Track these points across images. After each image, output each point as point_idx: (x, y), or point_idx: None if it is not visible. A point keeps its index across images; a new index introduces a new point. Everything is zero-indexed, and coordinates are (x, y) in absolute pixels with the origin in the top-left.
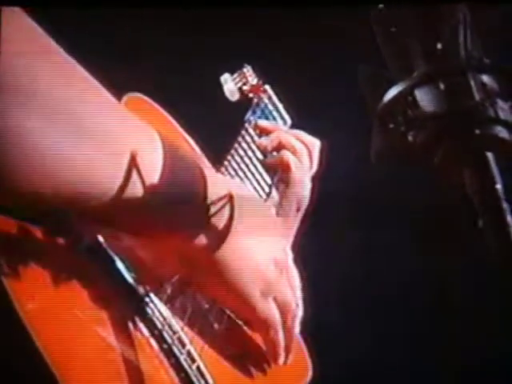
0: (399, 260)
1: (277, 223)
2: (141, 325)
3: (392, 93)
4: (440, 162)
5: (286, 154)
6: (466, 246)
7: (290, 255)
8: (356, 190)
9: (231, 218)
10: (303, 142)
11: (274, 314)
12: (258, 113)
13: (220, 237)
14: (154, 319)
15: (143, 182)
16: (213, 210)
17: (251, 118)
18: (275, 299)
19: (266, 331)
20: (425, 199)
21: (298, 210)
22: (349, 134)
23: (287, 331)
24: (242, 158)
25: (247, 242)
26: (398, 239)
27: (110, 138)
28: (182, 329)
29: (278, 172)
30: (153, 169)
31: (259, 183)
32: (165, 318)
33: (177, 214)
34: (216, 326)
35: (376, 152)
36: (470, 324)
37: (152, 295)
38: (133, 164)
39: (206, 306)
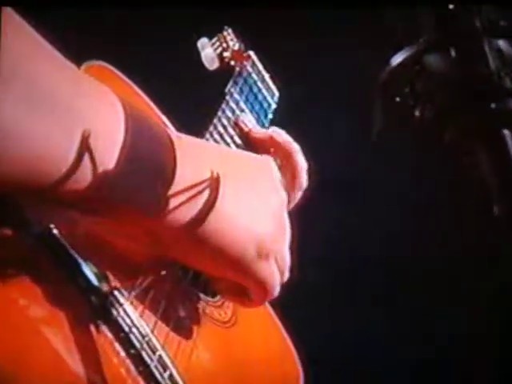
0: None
1: (271, 177)
2: (104, 327)
3: (397, 60)
4: (450, 140)
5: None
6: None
7: (286, 209)
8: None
9: (215, 193)
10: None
11: (273, 273)
12: (241, 83)
13: (203, 211)
14: (120, 320)
15: (104, 154)
16: (191, 182)
17: (232, 90)
18: (275, 259)
19: (263, 293)
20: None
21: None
22: (342, 106)
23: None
24: (221, 135)
25: (237, 203)
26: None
27: (65, 104)
28: (153, 331)
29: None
30: (114, 139)
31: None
32: (132, 320)
33: (146, 189)
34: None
35: (378, 129)
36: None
37: (117, 293)
38: (90, 135)
39: (184, 297)
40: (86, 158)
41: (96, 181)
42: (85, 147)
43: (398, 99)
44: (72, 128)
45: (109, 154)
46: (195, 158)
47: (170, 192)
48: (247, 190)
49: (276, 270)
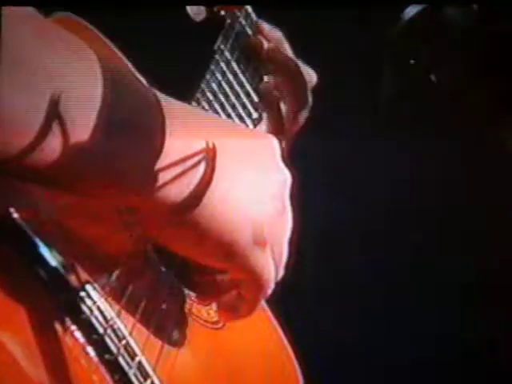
0: None
1: (272, 150)
2: (73, 327)
3: (411, 13)
4: (473, 113)
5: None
6: None
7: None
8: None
9: (211, 167)
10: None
11: (269, 265)
12: (233, 38)
13: (197, 188)
14: (93, 320)
15: (77, 118)
16: (182, 154)
17: (222, 47)
18: (271, 249)
19: (257, 288)
20: None
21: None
22: (348, 67)
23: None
24: (210, 103)
25: (233, 180)
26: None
27: (31, 62)
28: (131, 333)
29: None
30: (90, 99)
31: (245, 107)
32: (108, 320)
33: (127, 158)
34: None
35: (387, 97)
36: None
37: (89, 287)
38: (61, 98)
39: (167, 293)
40: (56, 124)
41: (67, 149)
42: (53, 112)
43: (411, 61)
44: (40, 90)
45: (84, 117)
46: (187, 126)
47: (158, 164)
48: (244, 164)
49: (271, 262)
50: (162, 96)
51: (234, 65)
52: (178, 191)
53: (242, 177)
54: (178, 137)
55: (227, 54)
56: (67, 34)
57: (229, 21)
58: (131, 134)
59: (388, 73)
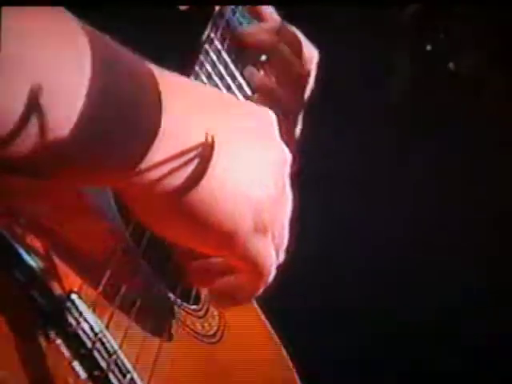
0: None
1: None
2: (58, 341)
3: None
4: (495, 101)
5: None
6: None
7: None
8: None
9: (208, 154)
10: None
11: (270, 251)
12: (223, 27)
13: (193, 173)
14: (81, 333)
15: (60, 103)
16: (178, 133)
17: (212, 36)
18: (272, 234)
19: (257, 276)
20: None
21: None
22: (353, 54)
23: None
24: (208, 78)
25: (231, 160)
26: None
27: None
28: (121, 346)
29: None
30: (76, 75)
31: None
32: (96, 332)
33: (118, 139)
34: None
35: (400, 87)
36: None
37: (75, 296)
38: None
39: (159, 303)
40: (35, 113)
41: (48, 139)
42: (33, 103)
43: (428, 47)
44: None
45: (68, 101)
46: (183, 101)
47: (152, 146)
48: (242, 145)
49: (272, 248)
50: (155, 68)
51: (225, 55)
52: (170, 176)
53: (241, 156)
54: (173, 112)
55: (217, 43)
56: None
57: (218, 7)
58: (122, 112)
59: (400, 60)
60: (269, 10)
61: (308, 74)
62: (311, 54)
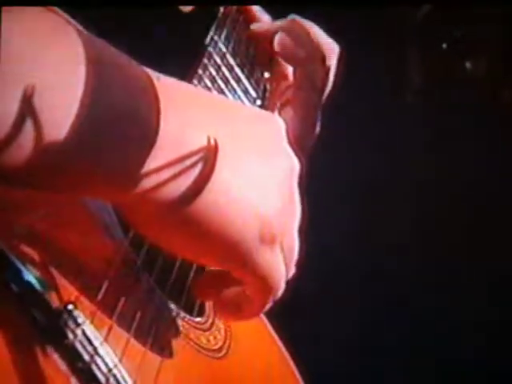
0: None
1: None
2: (55, 356)
3: None
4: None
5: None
6: None
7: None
8: None
9: (211, 162)
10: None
11: (278, 264)
12: (227, 29)
13: (195, 183)
14: (78, 347)
15: (55, 108)
16: (178, 141)
17: (216, 38)
18: (281, 246)
19: (265, 290)
20: None
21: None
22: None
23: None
24: (212, 82)
25: (236, 169)
26: None
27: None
28: (121, 360)
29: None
30: (71, 82)
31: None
32: (95, 346)
33: (115, 150)
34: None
35: (415, 84)
36: None
37: (72, 308)
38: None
39: (161, 315)
40: (29, 118)
41: (43, 145)
42: (27, 107)
43: (444, 46)
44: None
45: (63, 104)
46: (182, 108)
47: (151, 156)
48: (248, 151)
49: (281, 261)
50: (154, 74)
51: (230, 58)
52: (175, 184)
53: (246, 163)
54: (172, 121)
55: (221, 45)
56: (41, 10)
57: (222, 9)
58: (119, 121)
59: (415, 59)
60: (258, 11)
61: (328, 69)
62: (331, 49)
